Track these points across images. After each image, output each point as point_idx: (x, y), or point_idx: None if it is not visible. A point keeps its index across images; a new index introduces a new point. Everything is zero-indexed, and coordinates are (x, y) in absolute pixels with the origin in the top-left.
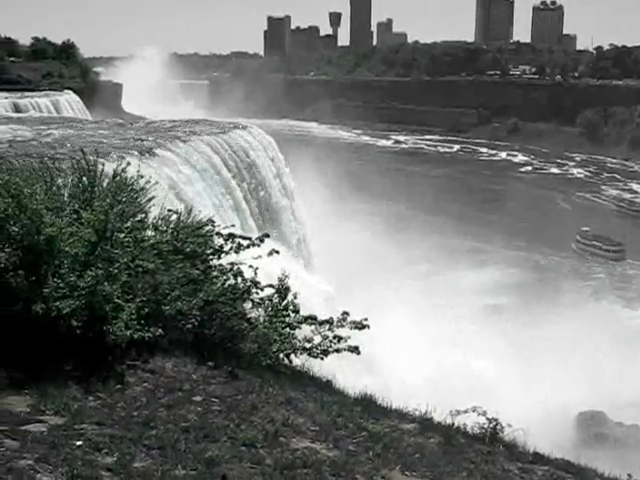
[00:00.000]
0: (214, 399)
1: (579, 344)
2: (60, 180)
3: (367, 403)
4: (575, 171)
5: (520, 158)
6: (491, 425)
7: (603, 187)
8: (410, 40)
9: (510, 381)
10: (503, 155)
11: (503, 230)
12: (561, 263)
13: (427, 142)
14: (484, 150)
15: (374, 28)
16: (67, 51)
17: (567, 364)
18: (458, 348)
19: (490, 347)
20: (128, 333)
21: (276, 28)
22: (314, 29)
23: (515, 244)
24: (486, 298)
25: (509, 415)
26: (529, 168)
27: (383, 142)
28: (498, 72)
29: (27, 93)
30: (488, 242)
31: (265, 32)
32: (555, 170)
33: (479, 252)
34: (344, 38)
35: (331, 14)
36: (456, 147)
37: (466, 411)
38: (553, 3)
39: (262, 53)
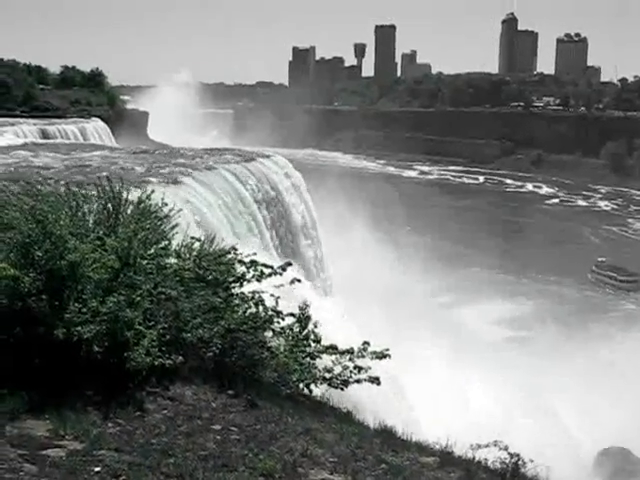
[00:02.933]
0: (233, 428)
1: (606, 377)
2: (86, 206)
3: (387, 435)
4: (602, 204)
5: (546, 190)
6: (513, 460)
7: (630, 220)
8: (434, 71)
9: (533, 415)
10: (529, 187)
11: (530, 263)
12: (590, 296)
13: (452, 173)
14: (509, 181)
15: (398, 59)
16: (95, 79)
17: (592, 398)
18: (481, 380)
19: (514, 380)
20: (149, 360)
21: (301, 59)
22: (339, 60)
23: (543, 277)
24: (511, 330)
25: (531, 450)
26: (555, 200)
27: (409, 173)
28: (522, 104)
29: (55, 120)
30: (515, 274)
31: (290, 62)
32: (582, 203)
33: (506, 284)
34: (368, 69)
35: (356, 45)
36: (481, 178)
37: (487, 445)
38: (577, 35)
39: (287, 83)
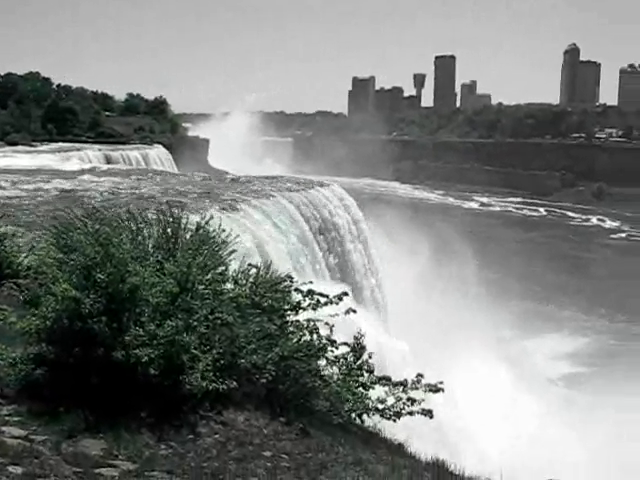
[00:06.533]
0: (284, 455)
1: None
2: (145, 230)
3: (439, 469)
4: None
5: (610, 224)
6: None
7: None
8: (494, 102)
9: (591, 457)
10: (594, 220)
11: (597, 299)
12: None
13: (513, 205)
14: (571, 214)
15: (458, 89)
16: (158, 107)
17: None
18: (538, 417)
19: (572, 418)
20: (204, 384)
21: (361, 88)
22: (398, 90)
23: (609, 314)
24: (572, 366)
25: None
26: (622, 235)
27: (470, 204)
28: (583, 135)
29: (119, 146)
30: (581, 310)
31: (350, 92)
32: None
33: (570, 320)
34: (428, 99)
35: (415, 75)
36: (543, 210)
37: None
38: None
39: (346, 112)
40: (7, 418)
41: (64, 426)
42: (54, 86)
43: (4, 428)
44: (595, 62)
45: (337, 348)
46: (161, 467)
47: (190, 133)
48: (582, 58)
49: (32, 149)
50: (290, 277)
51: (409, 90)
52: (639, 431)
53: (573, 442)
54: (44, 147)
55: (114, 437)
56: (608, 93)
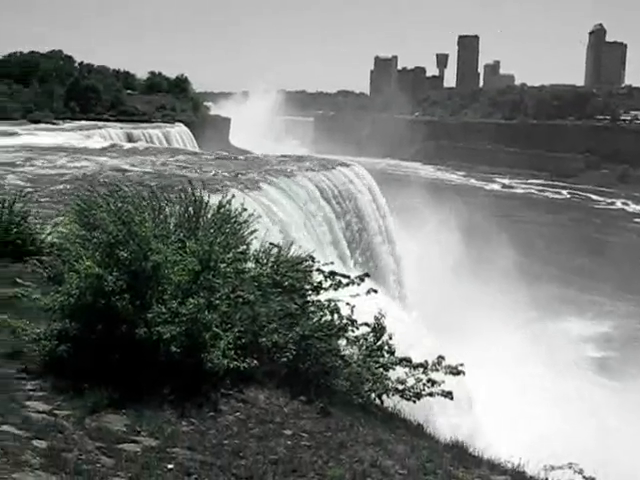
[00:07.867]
0: (304, 434)
1: None
2: (167, 209)
3: (458, 450)
4: None
5: (634, 207)
6: None
7: None
8: (517, 82)
9: (612, 439)
10: (618, 203)
11: (620, 284)
12: None
13: (536, 187)
14: (595, 197)
15: (481, 70)
16: (180, 85)
17: None
18: (559, 401)
19: (592, 402)
20: (225, 362)
21: (383, 68)
22: (421, 70)
23: (635, 299)
24: (594, 351)
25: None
26: None
27: (492, 186)
28: (608, 117)
29: (140, 124)
30: (606, 295)
31: (372, 72)
32: None
33: (593, 304)
34: (450, 79)
35: (438, 55)
36: (565, 193)
37: (561, 467)
38: None
39: (368, 92)
40: (31, 393)
41: (87, 402)
42: (76, 64)
43: (28, 403)
44: (621, 43)
45: (358, 328)
46: (182, 443)
47: (211, 112)
48: (608, 39)
49: (54, 127)
50: (312, 257)
51: (432, 70)
52: None
53: (607, 428)
54: (66, 125)
55: (136, 413)
56: (634, 74)
